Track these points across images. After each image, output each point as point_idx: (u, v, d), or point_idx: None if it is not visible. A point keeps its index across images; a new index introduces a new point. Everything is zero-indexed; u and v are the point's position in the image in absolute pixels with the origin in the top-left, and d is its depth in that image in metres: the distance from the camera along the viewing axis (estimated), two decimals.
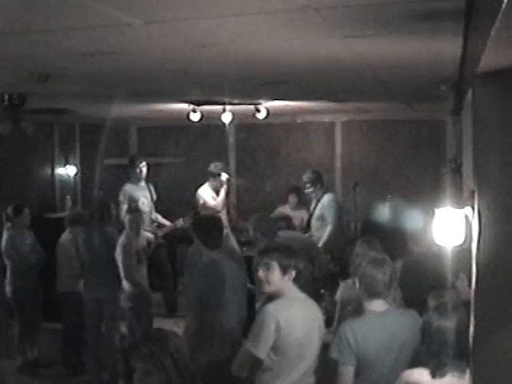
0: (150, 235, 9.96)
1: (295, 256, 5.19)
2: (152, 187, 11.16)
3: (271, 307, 4.96)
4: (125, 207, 10.53)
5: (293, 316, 4.95)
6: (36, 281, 9.36)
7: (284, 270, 5.04)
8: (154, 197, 11.18)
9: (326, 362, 4.91)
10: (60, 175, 12.93)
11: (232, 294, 6.33)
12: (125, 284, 8.36)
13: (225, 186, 10.93)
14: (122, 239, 8.46)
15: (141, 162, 10.92)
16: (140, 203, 10.67)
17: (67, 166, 13.08)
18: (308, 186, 10.42)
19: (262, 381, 4.97)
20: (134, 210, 9.33)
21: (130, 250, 8.40)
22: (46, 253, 9.35)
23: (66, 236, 9.11)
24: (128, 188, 10.88)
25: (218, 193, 10.90)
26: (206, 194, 10.90)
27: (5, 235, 9.26)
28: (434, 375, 3.96)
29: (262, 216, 8.38)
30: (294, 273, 5.07)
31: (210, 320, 6.21)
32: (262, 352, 4.84)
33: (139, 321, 8.44)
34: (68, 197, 12.32)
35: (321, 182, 10.48)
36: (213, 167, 10.95)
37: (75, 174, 13.25)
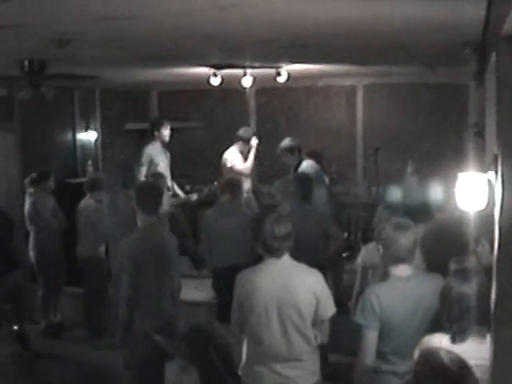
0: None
1: None
2: (168, 153, 11.16)
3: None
4: (144, 169, 10.59)
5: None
6: (58, 246, 9.43)
7: None
8: (168, 163, 11.18)
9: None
10: (81, 140, 12.95)
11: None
12: None
13: (254, 151, 10.94)
14: None
15: (163, 125, 10.90)
16: (159, 167, 10.71)
17: (88, 131, 13.09)
18: (285, 153, 10.11)
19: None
20: (156, 175, 9.34)
21: None
22: (67, 218, 9.41)
23: (86, 201, 9.15)
24: (150, 151, 10.90)
25: (245, 157, 10.92)
26: (234, 157, 10.90)
27: (28, 201, 9.33)
28: (454, 340, 3.96)
29: (289, 179, 8.35)
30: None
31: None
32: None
33: None
34: (89, 162, 12.35)
35: (298, 150, 10.13)
36: (242, 132, 10.95)
37: (96, 140, 13.27)
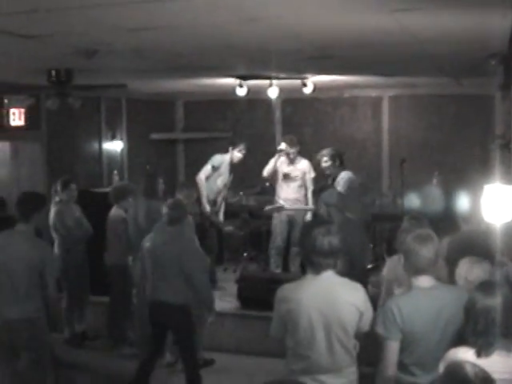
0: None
1: None
2: (232, 175, 11.17)
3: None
4: (209, 169, 10.69)
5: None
6: (83, 254, 9.46)
7: None
8: (229, 183, 11.28)
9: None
10: (107, 150, 13.01)
11: None
12: None
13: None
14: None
15: (239, 148, 10.93)
16: (219, 180, 10.81)
17: (114, 140, 13.15)
18: (325, 159, 10.06)
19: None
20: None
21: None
22: (92, 227, 9.44)
23: (114, 211, 9.18)
24: (221, 159, 10.95)
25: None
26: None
27: (53, 209, 9.37)
28: (479, 354, 3.93)
29: (334, 191, 8.32)
30: None
31: None
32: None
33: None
34: (115, 171, 12.40)
35: (339, 159, 10.11)
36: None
37: (122, 149, 13.33)
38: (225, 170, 10.95)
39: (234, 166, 11.05)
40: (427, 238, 4.74)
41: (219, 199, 11.08)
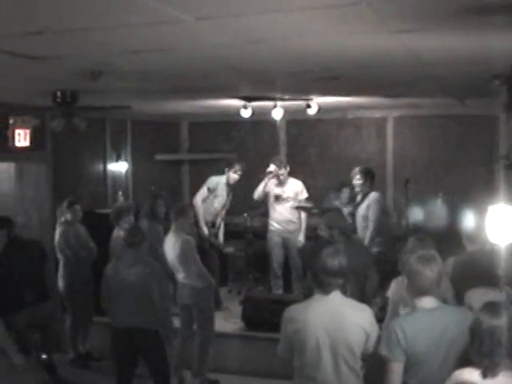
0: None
1: None
2: (231, 195, 11.19)
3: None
4: (205, 191, 10.71)
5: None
6: (88, 275, 9.47)
7: None
8: (228, 204, 11.29)
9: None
10: (112, 171, 13.05)
11: None
12: (194, 279, 8.32)
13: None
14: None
15: (235, 169, 10.95)
16: (216, 200, 10.83)
17: (119, 161, 13.19)
18: (358, 177, 10.14)
19: None
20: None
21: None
22: (97, 247, 9.45)
23: (116, 231, 9.20)
24: (217, 180, 11.00)
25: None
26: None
27: (58, 230, 9.39)
28: (485, 375, 3.92)
29: (337, 213, 8.32)
30: None
31: None
32: None
33: (203, 315, 8.47)
34: (120, 192, 12.42)
35: (371, 178, 10.21)
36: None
37: (126, 170, 13.37)
38: (221, 191, 10.97)
39: (236, 187, 11.07)
40: (430, 258, 4.74)
41: (218, 220, 11.10)
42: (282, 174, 10.90)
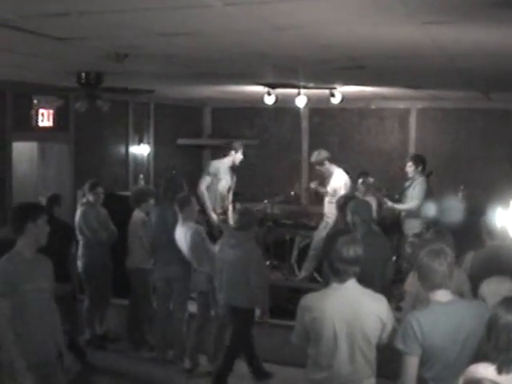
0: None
1: None
2: (235, 177, 11.17)
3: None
4: (208, 179, 10.69)
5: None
6: (107, 257, 9.50)
7: None
8: (233, 185, 11.27)
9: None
10: (133, 154, 13.08)
11: None
12: (208, 267, 8.35)
13: None
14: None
15: (239, 149, 10.93)
16: (220, 185, 10.80)
17: (141, 144, 13.21)
18: (410, 164, 10.33)
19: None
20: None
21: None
22: (117, 230, 9.48)
23: (136, 214, 9.21)
24: (217, 165, 10.96)
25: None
26: None
27: (79, 211, 9.42)
28: (500, 371, 3.90)
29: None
30: None
31: None
32: None
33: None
34: (141, 175, 12.45)
35: (422, 164, 10.37)
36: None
37: (148, 153, 13.39)
38: (224, 174, 10.92)
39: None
40: (439, 252, 4.72)
41: (225, 204, 11.06)
42: (325, 172, 10.77)
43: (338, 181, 10.73)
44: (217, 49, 6.08)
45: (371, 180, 10.76)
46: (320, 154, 10.67)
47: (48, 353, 5.53)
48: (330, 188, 10.75)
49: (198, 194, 10.53)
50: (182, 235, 8.35)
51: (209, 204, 10.76)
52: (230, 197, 11.20)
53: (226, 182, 10.98)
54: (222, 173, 10.90)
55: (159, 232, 8.78)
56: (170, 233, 8.49)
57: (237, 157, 10.91)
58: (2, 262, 5.34)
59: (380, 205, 10.46)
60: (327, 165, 10.67)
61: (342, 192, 10.46)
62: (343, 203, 8.25)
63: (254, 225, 8.03)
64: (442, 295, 4.69)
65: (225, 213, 11.04)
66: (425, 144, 13.23)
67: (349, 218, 7.63)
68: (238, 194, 11.70)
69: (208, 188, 10.82)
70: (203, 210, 10.46)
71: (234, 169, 11.05)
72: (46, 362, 5.49)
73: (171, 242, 8.44)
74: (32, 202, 7.18)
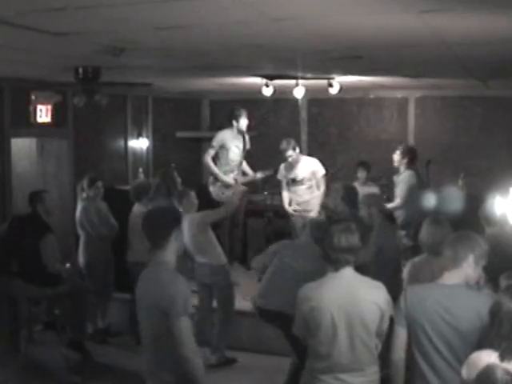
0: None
1: None
2: (247, 137, 11.09)
3: None
4: (212, 152, 10.64)
5: None
6: (108, 251, 9.51)
7: None
8: (248, 146, 11.16)
9: None
10: (132, 148, 13.07)
11: None
12: (210, 259, 8.37)
13: None
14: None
15: (241, 116, 10.86)
16: (231, 152, 10.73)
17: (140, 138, 13.21)
18: (398, 153, 10.22)
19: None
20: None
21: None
22: (118, 224, 9.48)
23: (136, 208, 9.21)
24: (223, 135, 10.88)
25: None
26: None
27: (79, 206, 9.43)
28: (502, 358, 3.90)
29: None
30: None
31: None
32: None
33: (222, 293, 8.52)
34: (140, 169, 12.45)
35: (410, 157, 10.20)
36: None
37: (147, 147, 13.39)
38: (230, 143, 10.83)
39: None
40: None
41: (235, 173, 10.97)
42: (291, 156, 10.65)
43: (311, 163, 10.87)
44: (214, 41, 6.07)
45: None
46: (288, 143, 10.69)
47: None
48: (306, 173, 10.82)
49: (205, 166, 10.84)
50: (184, 228, 8.36)
51: (218, 171, 10.69)
52: (241, 165, 11.13)
53: (236, 148, 10.86)
54: (228, 142, 10.79)
55: None
56: None
57: (240, 123, 10.83)
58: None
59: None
60: (293, 153, 10.65)
61: (322, 172, 10.75)
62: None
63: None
64: (447, 278, 4.69)
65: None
66: (424, 132, 13.23)
67: (364, 211, 7.64)
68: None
69: (219, 160, 10.78)
70: (215, 179, 10.65)
71: (242, 132, 10.99)
72: None
73: None
74: None
